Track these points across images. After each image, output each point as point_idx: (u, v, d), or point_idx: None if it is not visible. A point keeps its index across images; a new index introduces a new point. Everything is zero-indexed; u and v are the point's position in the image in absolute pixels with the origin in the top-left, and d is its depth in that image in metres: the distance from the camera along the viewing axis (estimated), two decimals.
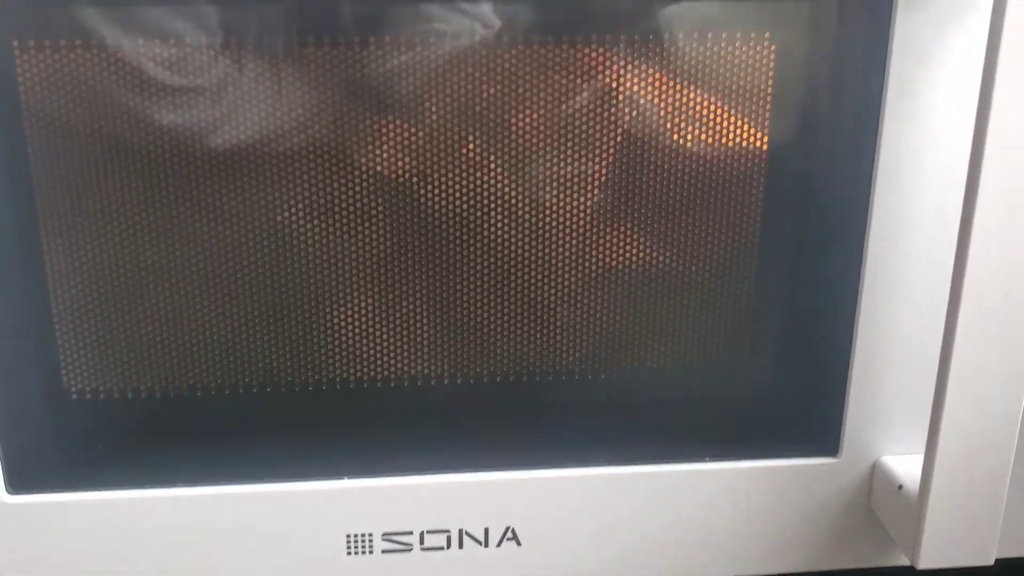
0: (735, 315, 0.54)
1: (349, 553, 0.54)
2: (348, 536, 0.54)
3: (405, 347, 0.53)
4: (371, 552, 0.54)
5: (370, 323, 0.52)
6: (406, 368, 0.53)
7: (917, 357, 0.52)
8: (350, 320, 0.52)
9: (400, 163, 0.50)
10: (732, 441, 0.55)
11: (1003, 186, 0.43)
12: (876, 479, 0.55)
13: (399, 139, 0.49)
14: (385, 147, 0.49)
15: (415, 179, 0.50)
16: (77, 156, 0.48)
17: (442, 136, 0.49)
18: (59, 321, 0.50)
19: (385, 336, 0.53)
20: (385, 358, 0.53)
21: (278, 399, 0.53)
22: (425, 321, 0.53)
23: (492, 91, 0.49)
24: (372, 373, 0.53)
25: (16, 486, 0.51)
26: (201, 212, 0.49)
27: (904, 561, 0.56)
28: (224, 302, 0.51)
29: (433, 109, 0.49)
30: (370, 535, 0.54)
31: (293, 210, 0.50)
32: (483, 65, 0.48)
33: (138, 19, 0.46)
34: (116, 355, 0.51)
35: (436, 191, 0.50)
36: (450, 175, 0.50)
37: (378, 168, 0.50)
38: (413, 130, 0.49)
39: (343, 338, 0.52)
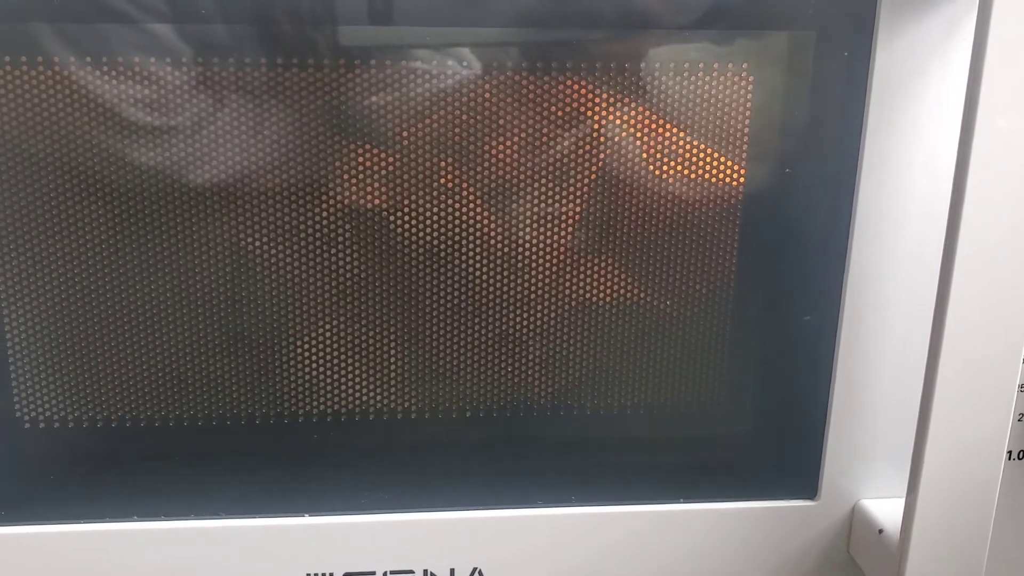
0: (711, 354, 0.52)
1: None
2: (308, 575, 0.52)
3: (371, 380, 0.51)
4: None
5: (335, 355, 0.51)
6: (371, 402, 0.52)
7: (897, 400, 0.51)
8: (315, 352, 0.51)
9: (370, 191, 0.48)
10: (708, 482, 0.54)
11: (985, 223, 0.42)
12: (855, 523, 0.53)
13: (370, 167, 0.48)
14: (355, 175, 0.48)
15: (386, 208, 0.49)
16: (33, 182, 0.46)
17: (415, 164, 0.48)
18: (12, 347, 0.49)
19: (350, 369, 0.51)
20: (350, 391, 0.51)
21: (239, 432, 0.51)
22: (392, 354, 0.51)
23: (467, 120, 0.48)
24: (336, 407, 0.51)
25: None
26: (161, 240, 0.48)
27: None
28: (184, 331, 0.49)
29: (406, 137, 0.48)
30: (331, 575, 0.52)
31: (255, 238, 0.48)
32: (459, 94, 0.47)
33: (95, 35, 0.44)
34: (72, 383, 0.50)
35: (407, 220, 0.49)
36: (422, 204, 0.49)
37: (347, 196, 0.48)
38: (384, 158, 0.48)
39: (307, 370, 0.51)
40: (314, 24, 0.45)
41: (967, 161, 0.41)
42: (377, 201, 0.49)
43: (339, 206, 0.48)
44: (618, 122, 0.48)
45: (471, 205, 0.49)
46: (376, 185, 0.48)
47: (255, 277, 0.49)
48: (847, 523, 0.53)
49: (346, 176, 0.48)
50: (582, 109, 0.48)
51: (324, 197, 0.48)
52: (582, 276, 0.51)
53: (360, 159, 0.48)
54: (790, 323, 0.51)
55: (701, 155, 0.49)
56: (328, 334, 0.50)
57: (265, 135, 0.47)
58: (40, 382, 0.49)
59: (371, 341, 0.51)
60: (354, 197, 0.48)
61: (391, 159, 0.48)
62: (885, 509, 0.52)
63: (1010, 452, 0.51)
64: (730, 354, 0.52)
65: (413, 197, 0.49)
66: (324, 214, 0.48)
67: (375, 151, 0.48)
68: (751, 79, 0.48)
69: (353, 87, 0.46)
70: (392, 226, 0.49)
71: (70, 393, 0.50)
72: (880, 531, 0.51)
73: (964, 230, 0.42)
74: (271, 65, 0.46)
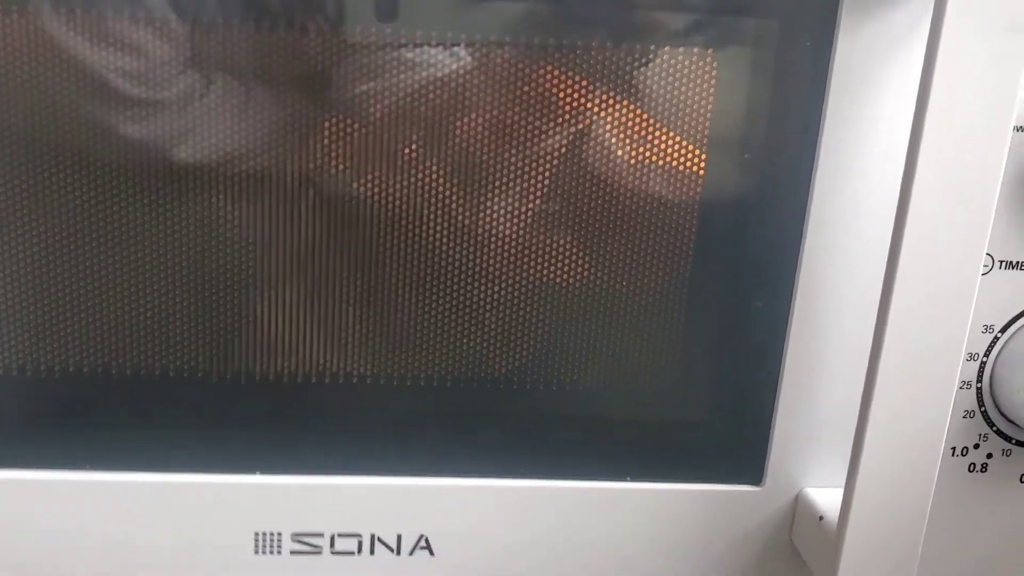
0: (665, 337, 0.53)
1: (256, 552, 0.53)
2: (256, 534, 0.52)
3: (329, 343, 0.52)
4: (279, 552, 0.53)
5: (295, 316, 0.51)
6: (328, 364, 0.52)
7: (844, 390, 0.51)
8: (274, 312, 0.51)
9: (336, 157, 0.49)
10: (656, 463, 0.54)
11: (931, 219, 0.42)
12: (798, 510, 0.54)
13: (336, 133, 0.48)
14: (322, 140, 0.48)
15: (350, 173, 0.49)
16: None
17: (380, 134, 0.49)
18: None
19: (309, 330, 0.52)
20: (308, 353, 0.52)
21: (194, 387, 0.51)
22: (351, 318, 0.52)
23: (436, 93, 0.48)
24: (292, 367, 0.52)
25: None
26: (123, 193, 0.48)
27: None
28: (143, 282, 0.50)
29: (376, 108, 0.48)
30: (279, 534, 0.53)
31: (219, 196, 0.49)
32: (428, 67, 0.47)
33: None
34: (26, 329, 0.50)
35: (371, 187, 0.49)
36: (387, 173, 0.49)
37: (313, 160, 0.49)
38: (350, 125, 0.48)
39: (266, 330, 0.51)
40: None
41: (916, 158, 0.42)
42: (342, 167, 0.49)
43: (304, 170, 0.49)
44: (582, 101, 0.49)
45: (435, 176, 0.49)
46: (342, 152, 0.49)
47: (218, 235, 0.49)
48: (791, 511, 0.54)
49: (313, 142, 0.48)
50: (546, 87, 0.48)
51: (290, 160, 0.48)
52: (542, 252, 0.51)
53: (328, 126, 0.48)
54: (743, 309, 0.52)
55: (663, 138, 0.49)
56: (289, 295, 0.51)
57: (232, 97, 0.47)
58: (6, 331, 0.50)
59: (331, 304, 0.51)
60: (320, 162, 0.49)
61: (359, 128, 0.48)
62: (827, 498, 0.52)
63: (954, 448, 0.52)
64: (683, 336, 0.53)
65: (378, 165, 0.49)
66: (289, 177, 0.49)
67: (344, 119, 0.48)
68: (715, 64, 0.48)
69: (329, 56, 0.47)
70: (356, 192, 0.49)
71: (24, 340, 0.50)
72: (820, 518, 0.51)
73: (910, 225, 0.42)
74: (257, 28, 0.46)
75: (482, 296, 0.52)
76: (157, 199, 0.48)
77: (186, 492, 0.52)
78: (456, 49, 0.47)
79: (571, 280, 0.52)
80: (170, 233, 0.49)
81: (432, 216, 0.50)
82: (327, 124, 0.48)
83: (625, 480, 0.54)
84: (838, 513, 0.49)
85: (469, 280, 0.51)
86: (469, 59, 0.48)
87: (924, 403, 0.45)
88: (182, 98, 0.47)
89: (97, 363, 0.51)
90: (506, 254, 0.51)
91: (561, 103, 0.49)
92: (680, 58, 0.48)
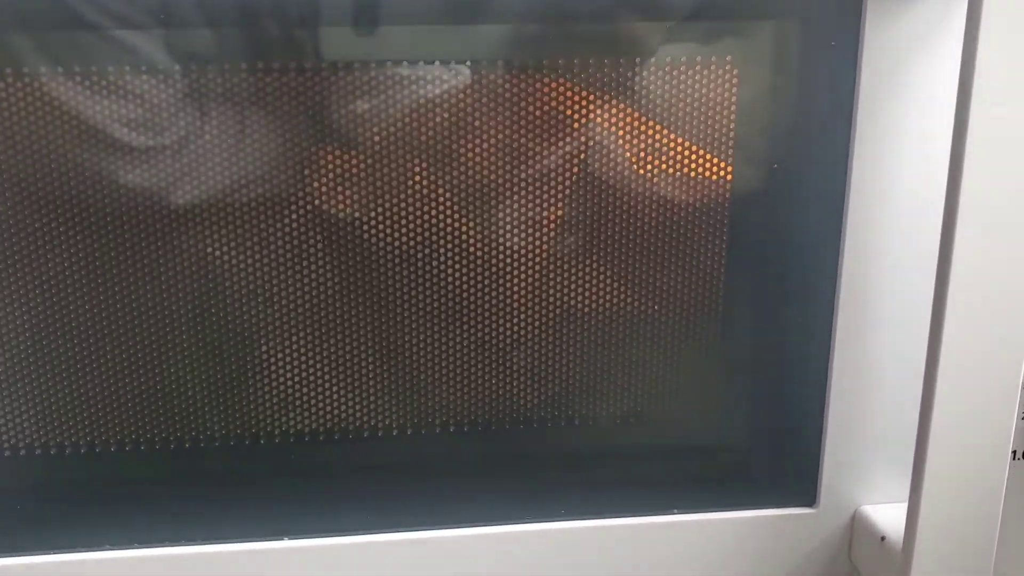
0: (704, 361, 0.51)
1: None
2: None
3: (350, 396, 0.50)
4: None
5: (311, 372, 0.49)
6: (351, 419, 0.50)
7: (894, 403, 0.50)
8: (289, 370, 0.49)
9: (340, 196, 0.46)
10: (704, 492, 0.52)
11: (982, 217, 0.40)
12: (856, 530, 0.52)
13: (344, 173, 0.46)
14: (329, 182, 0.46)
15: (357, 213, 0.47)
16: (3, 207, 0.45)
17: (385, 167, 0.46)
18: None
19: (328, 385, 0.49)
20: (328, 408, 0.49)
21: (213, 453, 0.49)
22: (371, 367, 0.49)
23: (445, 122, 0.46)
24: (314, 425, 0.49)
25: None
26: (128, 261, 0.46)
27: None
28: (154, 352, 0.47)
29: (379, 142, 0.46)
30: None
31: (225, 251, 0.46)
32: (437, 97, 0.45)
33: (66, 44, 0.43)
34: (40, 408, 0.48)
35: (380, 226, 0.47)
36: (394, 209, 0.47)
37: (316, 202, 0.46)
38: (359, 163, 0.46)
39: (282, 389, 0.49)
40: (297, 27, 0.44)
41: (962, 152, 0.40)
42: (352, 208, 0.47)
43: (312, 214, 0.46)
44: (600, 121, 0.47)
45: (446, 209, 0.47)
46: (352, 191, 0.46)
47: (224, 294, 0.47)
48: (848, 530, 0.52)
49: (319, 183, 0.46)
50: (563, 108, 0.46)
51: (296, 205, 0.46)
52: (567, 282, 0.49)
53: (334, 166, 0.46)
54: (783, 325, 0.50)
55: (687, 152, 0.47)
56: (302, 350, 0.49)
57: (236, 143, 0.45)
58: (9, 410, 0.47)
59: (348, 355, 0.49)
60: (328, 204, 0.47)
61: (365, 164, 0.46)
62: (887, 515, 0.50)
63: (1015, 452, 0.49)
64: (722, 359, 0.51)
65: (383, 201, 0.47)
66: (296, 224, 0.47)
67: (350, 156, 0.46)
68: (736, 72, 0.46)
69: (333, 91, 0.45)
70: (367, 234, 0.47)
71: (39, 420, 0.48)
72: (883, 538, 0.49)
73: (961, 225, 0.40)
74: (251, 70, 0.44)
75: (509, 332, 0.49)
76: (159, 262, 0.46)
77: (214, 562, 0.49)
78: (456, 66, 0.45)
79: (600, 308, 0.50)
80: (175, 300, 0.47)
81: (448, 251, 0.48)
82: (321, 159, 0.46)
83: (672, 513, 0.51)
84: (900, 530, 0.46)
85: (493, 316, 0.49)
86: (471, 77, 0.45)
87: (987, 407, 0.43)
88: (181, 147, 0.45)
89: (112, 439, 0.48)
90: (530, 285, 0.49)
91: (577, 122, 0.47)
92: (699, 68, 0.46)
